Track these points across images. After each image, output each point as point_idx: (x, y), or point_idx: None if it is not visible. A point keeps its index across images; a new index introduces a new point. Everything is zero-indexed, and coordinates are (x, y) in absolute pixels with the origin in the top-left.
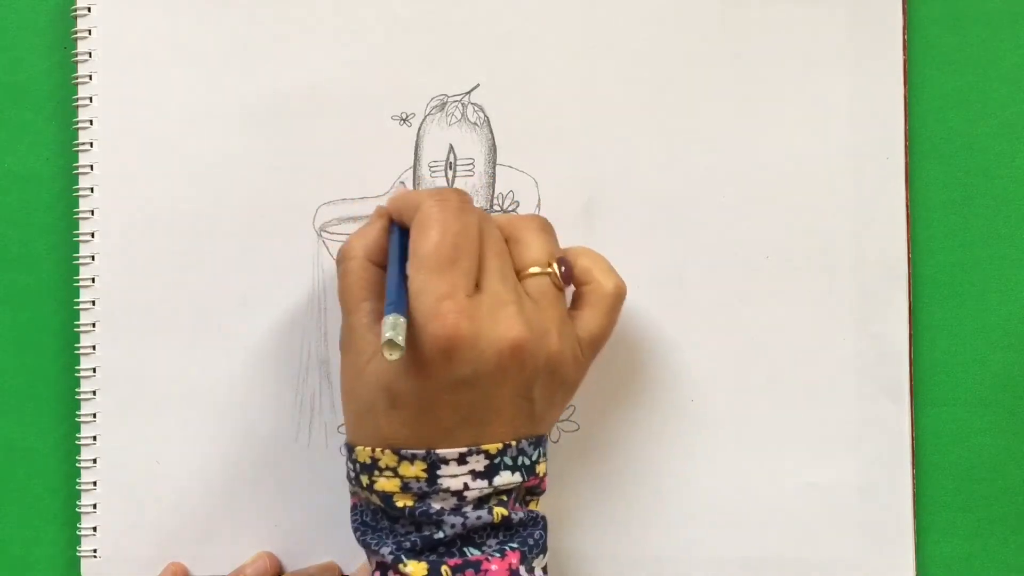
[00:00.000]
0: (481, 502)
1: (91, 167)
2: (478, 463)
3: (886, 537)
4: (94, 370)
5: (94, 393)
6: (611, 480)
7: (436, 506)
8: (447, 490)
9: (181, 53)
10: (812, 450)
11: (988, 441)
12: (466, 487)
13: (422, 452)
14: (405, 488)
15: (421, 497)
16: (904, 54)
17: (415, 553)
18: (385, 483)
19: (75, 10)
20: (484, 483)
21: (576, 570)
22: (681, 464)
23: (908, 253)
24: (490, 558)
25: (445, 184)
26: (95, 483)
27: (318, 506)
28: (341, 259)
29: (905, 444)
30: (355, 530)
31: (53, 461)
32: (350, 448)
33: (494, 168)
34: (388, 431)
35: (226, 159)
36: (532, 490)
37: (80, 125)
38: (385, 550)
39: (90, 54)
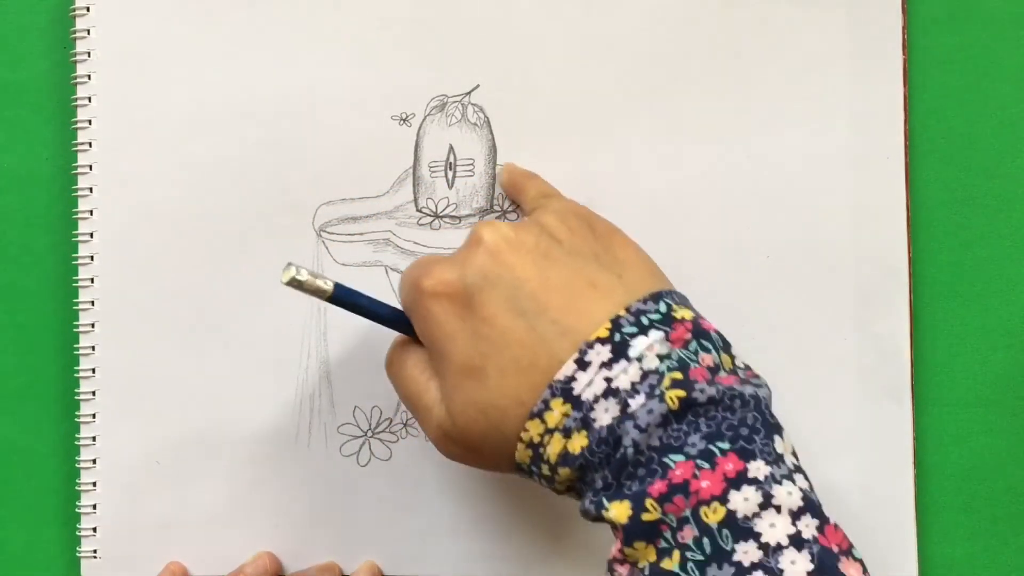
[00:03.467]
0: (650, 389)
1: (90, 167)
2: (599, 355)
3: (887, 538)
4: (93, 370)
5: (94, 393)
6: None
7: (603, 421)
8: (597, 397)
9: (180, 53)
10: (812, 450)
11: (989, 442)
12: (609, 380)
13: (545, 391)
14: (566, 432)
15: (585, 426)
16: (904, 54)
17: (612, 491)
18: (553, 447)
19: (74, 10)
20: (623, 364)
21: (576, 571)
22: None
23: (908, 253)
24: (699, 470)
25: (445, 184)
26: (95, 484)
27: (318, 506)
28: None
29: (906, 445)
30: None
31: (53, 461)
32: (520, 468)
33: (494, 168)
34: (509, 403)
35: (226, 159)
36: (706, 339)
37: (79, 125)
38: (585, 501)
39: (89, 54)
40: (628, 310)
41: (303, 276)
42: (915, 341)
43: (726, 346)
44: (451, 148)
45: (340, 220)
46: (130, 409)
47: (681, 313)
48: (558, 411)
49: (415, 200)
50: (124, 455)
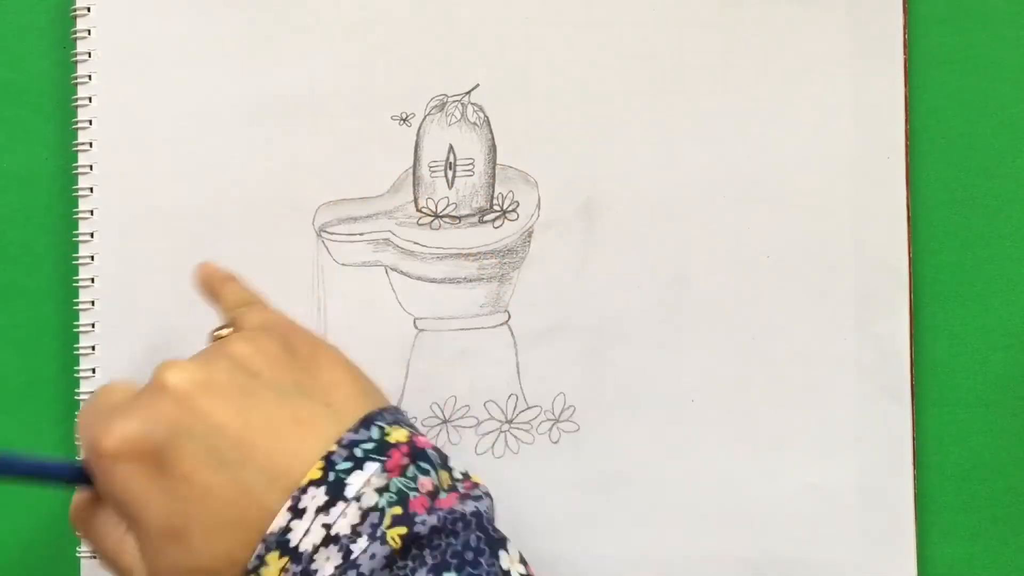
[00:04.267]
0: (371, 530)
1: (90, 167)
2: (314, 499)
3: (887, 538)
4: (93, 370)
5: None
6: (611, 480)
7: (325, 572)
8: (316, 547)
9: (181, 53)
10: (812, 450)
11: (989, 442)
12: (328, 527)
13: (259, 547)
14: None
15: None
16: (904, 54)
17: None
18: None
19: (75, 10)
20: (341, 506)
21: (576, 571)
22: (681, 464)
23: (908, 253)
24: None
25: (445, 183)
26: None
27: None
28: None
29: (906, 445)
30: None
31: None
32: None
33: (494, 168)
34: (222, 564)
35: (226, 159)
36: (424, 460)
37: (79, 125)
38: None
39: (89, 54)
40: (340, 443)
41: None
42: (915, 341)
43: (443, 460)
44: (451, 148)
45: (340, 220)
46: None
47: (395, 436)
48: (275, 566)
49: (415, 200)
50: None
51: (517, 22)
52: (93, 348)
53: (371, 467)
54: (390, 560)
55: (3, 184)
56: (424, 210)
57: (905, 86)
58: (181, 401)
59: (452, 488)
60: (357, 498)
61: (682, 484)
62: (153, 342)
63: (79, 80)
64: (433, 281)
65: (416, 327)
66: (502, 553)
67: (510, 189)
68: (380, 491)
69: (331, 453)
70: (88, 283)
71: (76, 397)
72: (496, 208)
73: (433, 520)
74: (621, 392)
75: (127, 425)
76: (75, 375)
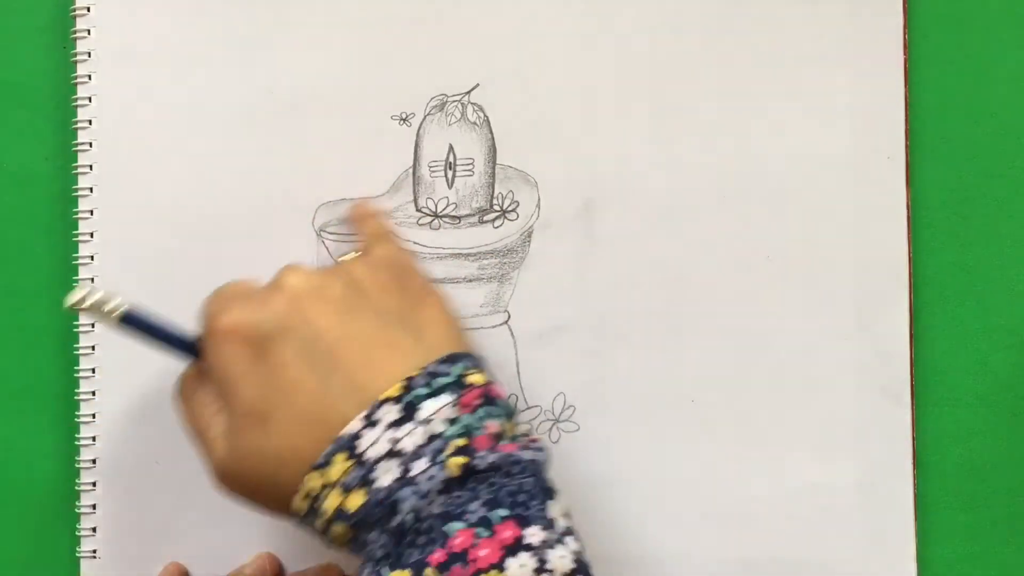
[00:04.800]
0: (433, 455)
1: (90, 167)
2: (388, 414)
3: (887, 538)
4: (93, 370)
5: (94, 394)
6: (611, 480)
7: (383, 482)
8: (380, 457)
9: (181, 53)
10: (812, 450)
11: (989, 441)
12: (395, 441)
13: (329, 446)
14: (345, 488)
15: (364, 484)
16: (904, 54)
17: (391, 560)
18: (331, 502)
19: (74, 10)
20: (410, 426)
21: None
22: (681, 464)
23: (908, 253)
24: (478, 539)
25: (445, 183)
26: (94, 484)
27: None
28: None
29: (906, 444)
30: None
31: (53, 461)
32: (296, 517)
33: (494, 168)
34: (290, 455)
35: (226, 159)
36: (494, 406)
37: (79, 125)
38: (364, 572)
39: (89, 54)
40: (423, 371)
41: (90, 300)
42: (915, 341)
43: (511, 414)
44: (451, 148)
45: (340, 220)
46: (130, 409)
47: (473, 378)
48: (340, 466)
49: (415, 200)
50: (124, 455)
51: (517, 22)
52: (93, 348)
53: (445, 399)
54: (448, 485)
55: (3, 184)
56: (424, 210)
57: (905, 86)
58: (293, 301)
59: (514, 439)
60: (427, 422)
61: (682, 484)
62: None
63: (79, 80)
64: (433, 281)
65: None
66: (550, 503)
67: (510, 189)
68: (450, 422)
69: (412, 377)
70: (88, 283)
71: (76, 397)
72: (496, 208)
73: (492, 458)
74: (621, 392)
75: (243, 311)
76: (75, 375)
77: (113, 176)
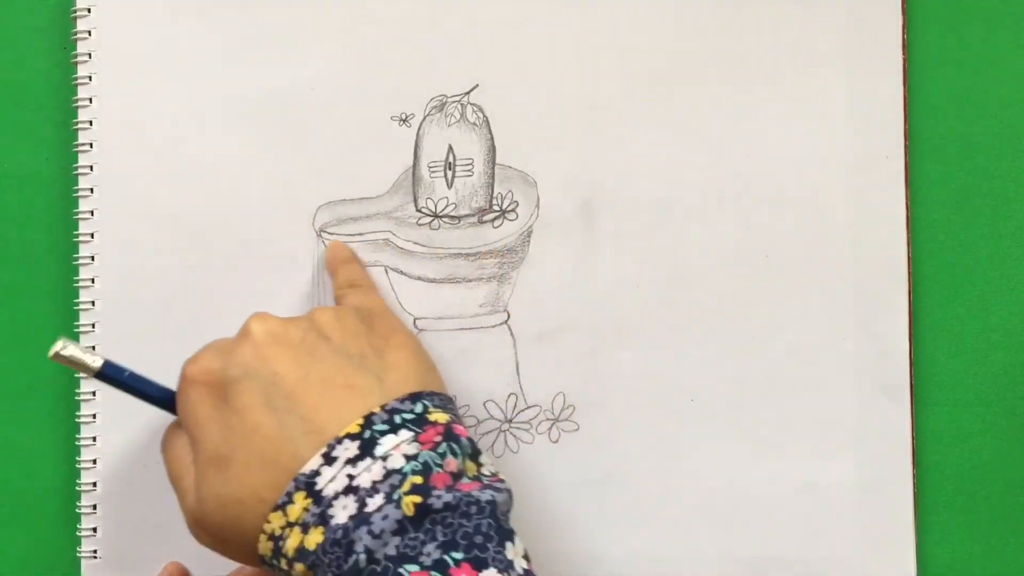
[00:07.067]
0: (389, 491)
1: (91, 168)
2: (347, 450)
3: (886, 537)
4: None
5: (94, 394)
6: (611, 480)
7: (340, 519)
8: (337, 493)
9: (181, 53)
10: (812, 450)
11: (988, 441)
12: (352, 477)
13: (290, 484)
14: (304, 527)
15: (322, 521)
16: (904, 54)
17: None
18: (291, 541)
19: (75, 11)
20: (368, 461)
21: (575, 570)
22: (681, 464)
23: (908, 253)
24: None
25: (445, 184)
26: (95, 484)
27: None
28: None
29: (905, 444)
30: None
31: (53, 462)
32: (263, 561)
33: (493, 168)
34: (250, 497)
35: (226, 160)
36: (456, 444)
37: (80, 126)
38: None
39: (90, 55)
40: (383, 407)
41: (68, 351)
42: (915, 341)
43: (475, 453)
44: (450, 148)
45: (340, 220)
46: (130, 409)
47: (435, 416)
48: (299, 505)
49: (415, 200)
50: (124, 455)
51: (517, 22)
52: (93, 348)
53: (405, 434)
54: (402, 526)
55: (3, 184)
56: (424, 210)
57: (904, 86)
58: (256, 347)
59: (476, 478)
60: (384, 457)
61: (682, 484)
62: (153, 342)
63: (79, 81)
64: (433, 281)
65: (416, 327)
66: (508, 544)
67: (509, 189)
68: (408, 458)
69: (372, 414)
70: (88, 283)
71: (76, 397)
72: (495, 208)
73: (449, 498)
74: (621, 392)
75: (209, 358)
76: (75, 375)
77: (113, 177)
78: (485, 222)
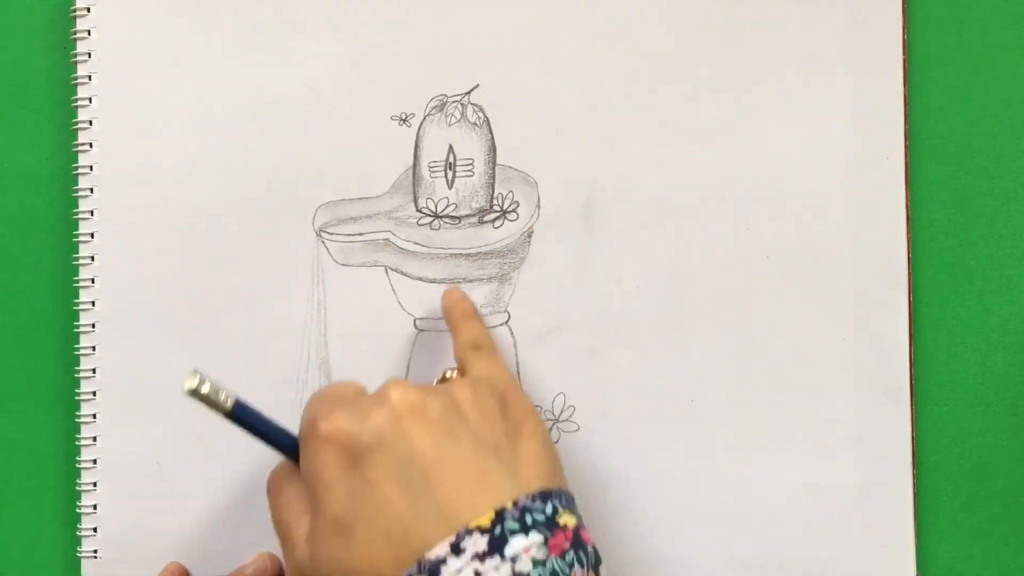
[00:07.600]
0: None
1: (91, 168)
2: (476, 544)
3: (886, 537)
4: (94, 371)
5: (94, 394)
6: (611, 480)
7: None
8: None
9: (181, 53)
10: (812, 450)
11: (989, 441)
12: (478, 574)
13: (412, 566)
14: None
15: None
16: (904, 54)
17: None
18: None
19: (75, 10)
20: (497, 560)
21: None
22: (681, 464)
23: (908, 253)
24: None
25: (445, 184)
26: (95, 484)
27: None
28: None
29: (905, 444)
30: None
31: (53, 462)
32: None
33: (494, 168)
34: (370, 573)
35: (226, 159)
36: (583, 552)
37: (80, 126)
38: None
39: (89, 55)
40: (515, 504)
41: (205, 388)
42: (915, 341)
43: (597, 562)
44: (451, 148)
45: (340, 220)
46: (130, 409)
47: (565, 519)
48: None
49: (415, 200)
50: (124, 455)
51: (517, 22)
52: (93, 348)
53: (535, 537)
54: None
55: (3, 184)
56: (424, 210)
57: (904, 86)
58: (394, 417)
59: None
60: (514, 559)
61: (682, 484)
62: (153, 342)
63: (79, 80)
64: (433, 281)
65: (416, 327)
66: None
67: (510, 189)
68: (536, 563)
69: (504, 509)
70: (88, 283)
71: (76, 397)
72: (496, 208)
73: None
74: (621, 392)
75: (344, 419)
76: (75, 375)
77: (113, 176)
78: (486, 222)
